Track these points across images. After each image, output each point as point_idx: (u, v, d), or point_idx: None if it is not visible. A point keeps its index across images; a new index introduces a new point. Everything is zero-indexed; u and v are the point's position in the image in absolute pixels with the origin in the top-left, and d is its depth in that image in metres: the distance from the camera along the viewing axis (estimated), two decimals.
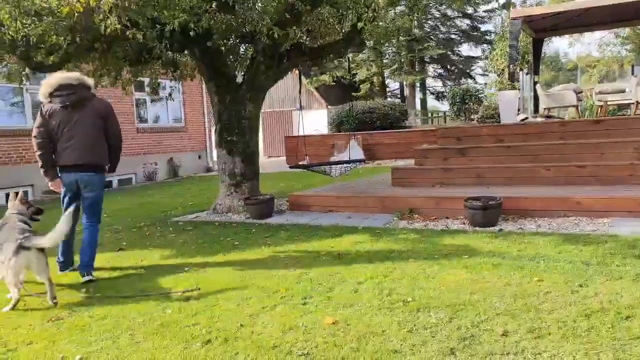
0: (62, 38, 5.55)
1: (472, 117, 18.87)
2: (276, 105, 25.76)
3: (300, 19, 6.43)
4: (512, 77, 11.16)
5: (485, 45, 32.53)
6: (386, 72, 32.11)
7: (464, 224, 5.61)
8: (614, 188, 5.94)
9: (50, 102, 4.47)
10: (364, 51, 26.40)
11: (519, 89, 13.10)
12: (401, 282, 3.74)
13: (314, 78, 27.48)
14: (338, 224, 6.09)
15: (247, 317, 3.28)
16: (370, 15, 5.79)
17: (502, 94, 11.05)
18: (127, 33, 5.44)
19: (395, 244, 4.93)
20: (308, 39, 7.47)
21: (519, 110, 11.08)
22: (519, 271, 3.79)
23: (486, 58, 29.11)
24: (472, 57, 34.38)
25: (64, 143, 4.48)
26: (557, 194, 5.79)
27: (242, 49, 8.43)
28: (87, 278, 4.43)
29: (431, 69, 35.02)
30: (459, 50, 34.04)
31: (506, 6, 28.37)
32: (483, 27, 32.77)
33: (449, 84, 33.71)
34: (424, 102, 35.60)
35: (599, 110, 11.37)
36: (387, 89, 35.08)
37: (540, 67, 13.12)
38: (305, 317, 3.20)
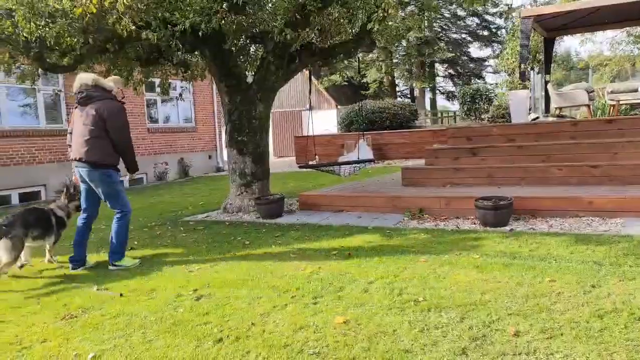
0: (76, 39, 5.61)
1: (482, 116, 18.77)
2: (286, 105, 25.83)
3: (310, 19, 6.44)
4: (523, 77, 11.10)
5: (495, 44, 32.34)
6: (396, 73, 32.01)
7: (474, 224, 5.59)
8: (627, 188, 5.89)
9: None
10: (373, 51, 26.32)
11: (530, 89, 13.02)
12: (412, 282, 3.73)
13: (324, 78, 27.44)
14: (348, 224, 6.10)
15: (258, 316, 3.29)
16: (381, 15, 5.78)
17: (513, 94, 10.98)
18: (142, 34, 5.52)
19: (406, 244, 4.92)
20: (318, 39, 7.47)
21: (530, 109, 11.01)
22: (530, 271, 3.76)
23: (496, 57, 28.93)
24: (482, 58, 34.23)
25: (73, 139, 4.92)
26: (568, 194, 5.74)
27: (252, 49, 8.46)
28: (110, 268, 4.85)
29: (441, 68, 34.90)
30: (468, 51, 33.90)
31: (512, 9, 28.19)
32: (493, 27, 32.58)
33: (459, 83, 33.53)
34: (433, 102, 35.51)
35: (611, 110, 11.27)
36: (397, 88, 35.01)
37: (552, 66, 13.01)
38: (316, 316, 3.21)
